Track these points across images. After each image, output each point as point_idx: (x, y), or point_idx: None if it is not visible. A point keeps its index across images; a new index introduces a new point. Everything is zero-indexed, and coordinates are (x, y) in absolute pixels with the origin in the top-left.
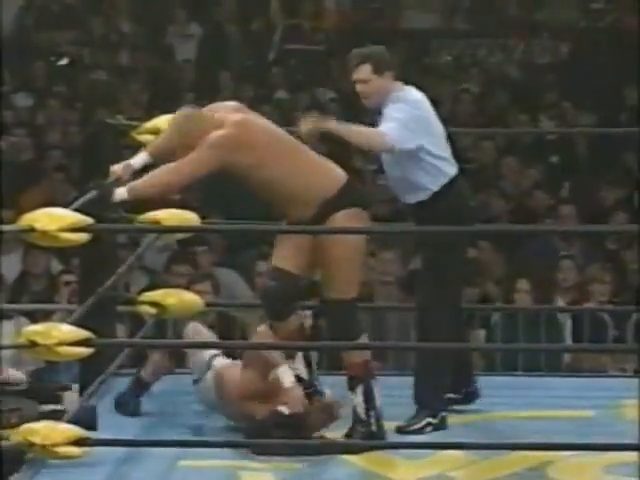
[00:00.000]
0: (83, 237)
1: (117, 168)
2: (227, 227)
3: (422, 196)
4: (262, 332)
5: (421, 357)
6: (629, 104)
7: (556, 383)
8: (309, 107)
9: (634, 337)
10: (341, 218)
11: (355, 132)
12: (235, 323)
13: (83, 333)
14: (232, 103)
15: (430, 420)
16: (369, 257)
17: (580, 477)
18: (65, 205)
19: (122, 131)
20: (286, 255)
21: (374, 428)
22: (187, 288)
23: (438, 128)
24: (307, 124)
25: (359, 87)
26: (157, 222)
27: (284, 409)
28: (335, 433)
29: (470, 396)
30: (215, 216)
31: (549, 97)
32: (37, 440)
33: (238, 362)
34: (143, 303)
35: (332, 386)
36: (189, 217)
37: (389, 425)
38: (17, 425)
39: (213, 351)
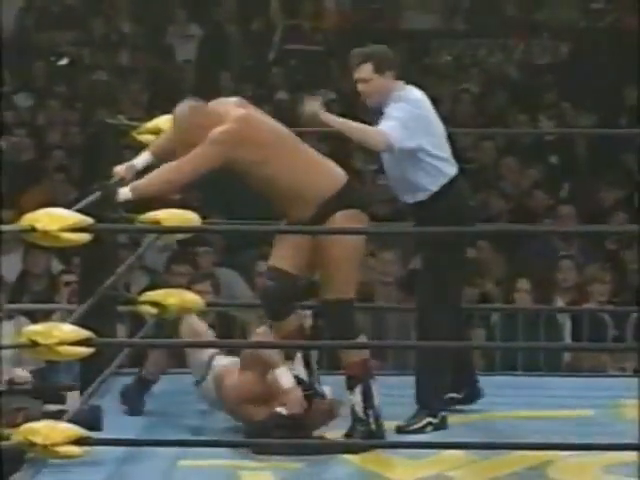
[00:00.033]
0: (84, 237)
1: (120, 169)
2: (227, 227)
3: (421, 196)
4: (261, 333)
5: (421, 357)
6: (629, 104)
7: (556, 383)
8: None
9: (633, 337)
10: (340, 219)
11: (355, 128)
12: (235, 323)
13: (84, 333)
14: (234, 99)
15: (430, 420)
16: (369, 257)
17: (580, 477)
18: (66, 205)
19: (122, 131)
20: (285, 255)
21: (373, 427)
22: (187, 288)
23: (438, 128)
24: (312, 105)
25: (360, 86)
26: (157, 222)
27: (283, 410)
28: (335, 433)
29: (472, 396)
30: (215, 216)
31: (549, 97)
32: (38, 440)
33: (238, 360)
34: (143, 303)
35: (332, 386)
36: (189, 217)
37: (389, 425)
38: (22, 424)
39: (212, 350)
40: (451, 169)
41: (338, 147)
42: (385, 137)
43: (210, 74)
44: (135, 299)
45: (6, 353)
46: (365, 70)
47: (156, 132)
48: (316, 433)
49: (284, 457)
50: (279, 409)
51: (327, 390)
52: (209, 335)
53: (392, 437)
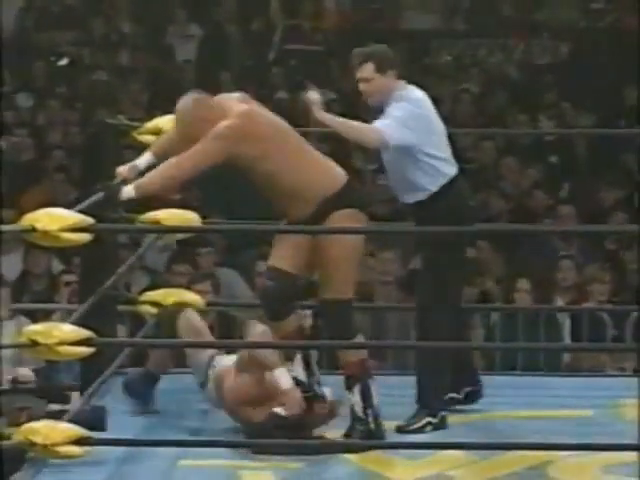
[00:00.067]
0: (84, 237)
1: (123, 169)
2: (227, 227)
3: (421, 196)
4: (259, 334)
5: (422, 357)
6: (629, 104)
7: (555, 383)
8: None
9: (633, 336)
10: (339, 218)
11: (349, 127)
12: (235, 323)
13: (84, 332)
14: (237, 94)
15: (430, 419)
16: (369, 257)
17: (579, 476)
18: (66, 205)
19: (123, 131)
20: (284, 255)
21: (372, 426)
22: (188, 288)
23: (439, 128)
24: (315, 95)
25: (362, 86)
26: (157, 222)
27: (281, 410)
28: (334, 432)
29: (473, 396)
30: (215, 216)
31: (549, 97)
32: (38, 439)
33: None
34: (144, 303)
35: (332, 386)
36: (190, 217)
37: (389, 424)
38: (26, 424)
39: (212, 350)
40: (451, 169)
41: (338, 147)
42: (379, 134)
43: (210, 74)
44: (135, 299)
45: (6, 353)
46: (367, 69)
47: (156, 132)
48: (316, 433)
49: (284, 457)
50: (277, 409)
51: (327, 391)
52: (207, 332)
53: (392, 437)
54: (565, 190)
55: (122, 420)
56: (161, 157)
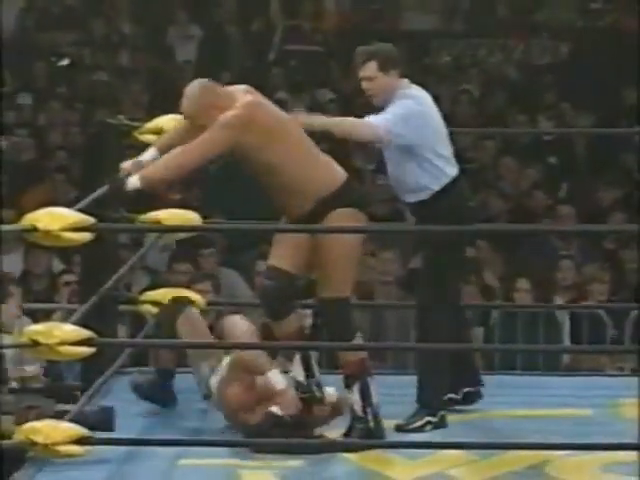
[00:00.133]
0: (85, 237)
1: (127, 165)
2: (228, 227)
3: (423, 195)
4: (246, 333)
5: (422, 356)
6: (628, 104)
7: (555, 382)
8: (309, 108)
9: (632, 336)
10: (338, 217)
11: (338, 123)
12: None
13: (85, 332)
14: (243, 86)
15: (430, 419)
16: (369, 257)
17: (579, 476)
18: (67, 206)
19: (123, 132)
20: (284, 254)
21: (372, 425)
22: (188, 287)
23: (441, 127)
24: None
25: (365, 84)
26: (158, 222)
27: (277, 410)
28: (334, 431)
29: (472, 397)
30: (216, 216)
31: (548, 97)
32: (39, 439)
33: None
34: (144, 302)
35: (333, 385)
36: (190, 217)
37: (388, 423)
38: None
39: (214, 362)
40: (452, 169)
41: (337, 147)
42: (373, 128)
43: (210, 75)
44: (136, 299)
45: (8, 352)
46: (370, 68)
47: (157, 132)
48: (316, 432)
49: (284, 456)
50: (273, 408)
51: (331, 390)
52: (207, 333)
53: (392, 436)
54: (564, 190)
55: (122, 420)
56: (165, 153)
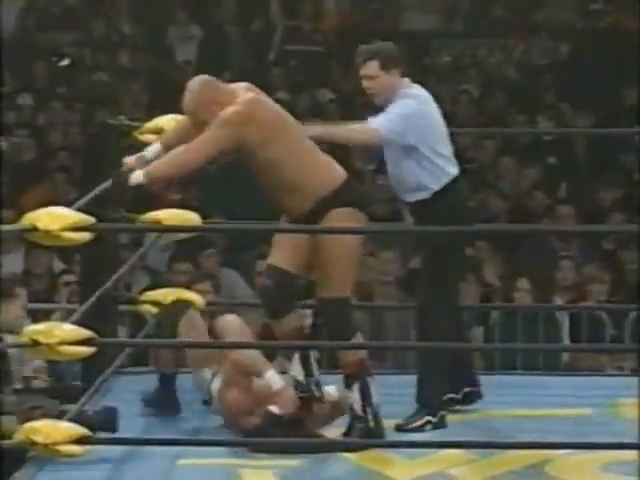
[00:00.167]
0: (85, 236)
1: (130, 160)
2: (227, 227)
3: (424, 195)
4: (239, 334)
5: (422, 356)
6: (628, 105)
7: (554, 382)
8: (309, 108)
9: (631, 336)
10: (338, 217)
11: (337, 130)
12: None
13: (85, 332)
14: (244, 84)
15: (429, 418)
16: (369, 257)
17: (578, 475)
18: (67, 206)
19: (123, 132)
20: (283, 254)
21: (372, 424)
22: (188, 287)
23: (441, 127)
24: None
25: (366, 83)
26: (158, 222)
27: (275, 409)
28: (334, 431)
29: (472, 396)
30: (216, 216)
31: (548, 98)
32: (39, 439)
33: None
34: (144, 302)
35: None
36: (190, 217)
37: (388, 423)
38: None
39: (215, 367)
40: (453, 168)
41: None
42: (372, 132)
43: (210, 75)
44: (136, 299)
45: (13, 353)
46: (371, 67)
47: (157, 132)
48: (317, 431)
49: (284, 455)
50: (271, 407)
51: (333, 389)
52: (207, 334)
53: (391, 435)
54: (564, 190)
55: (122, 420)
56: (169, 148)
